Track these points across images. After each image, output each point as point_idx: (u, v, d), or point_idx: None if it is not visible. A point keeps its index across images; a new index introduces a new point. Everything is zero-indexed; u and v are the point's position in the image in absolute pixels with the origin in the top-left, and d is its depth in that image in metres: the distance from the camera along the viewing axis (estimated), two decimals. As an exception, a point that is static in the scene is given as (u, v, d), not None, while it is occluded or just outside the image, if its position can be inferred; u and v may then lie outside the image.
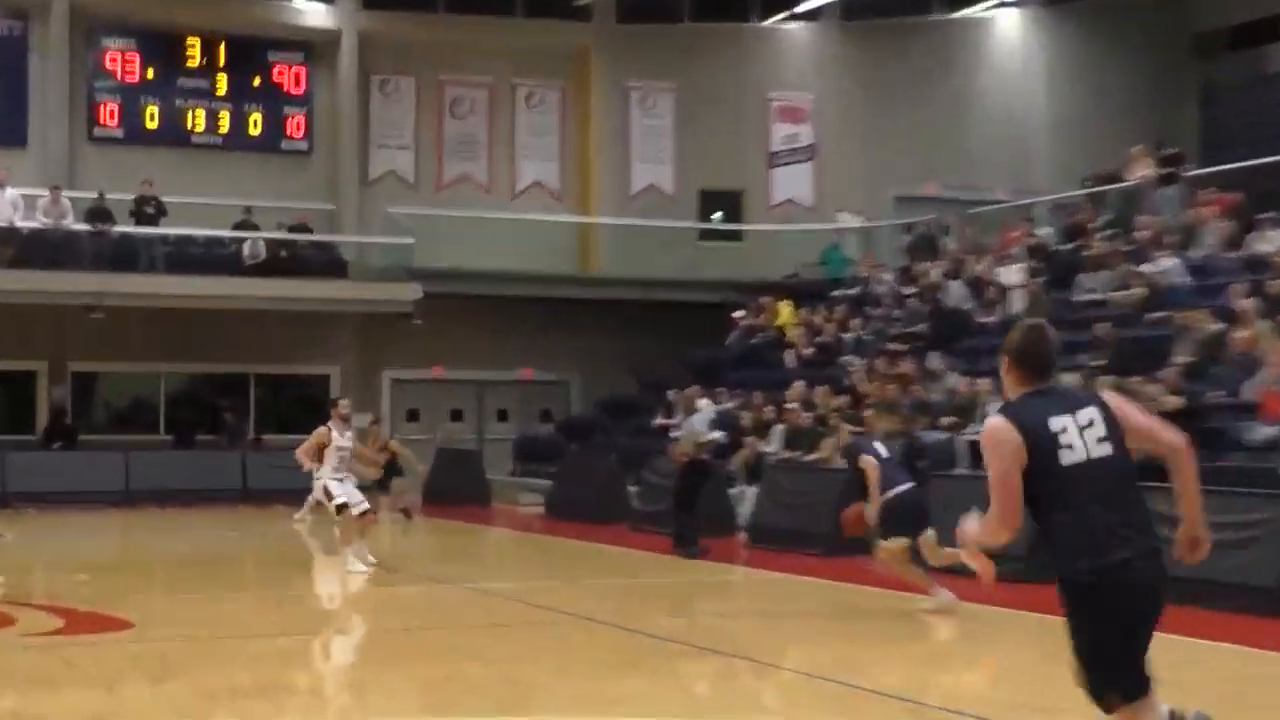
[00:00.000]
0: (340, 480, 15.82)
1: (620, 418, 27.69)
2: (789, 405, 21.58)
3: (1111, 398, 5.64)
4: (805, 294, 28.73)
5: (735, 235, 32.97)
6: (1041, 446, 5.37)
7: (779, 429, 21.25)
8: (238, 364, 29.13)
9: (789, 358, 26.11)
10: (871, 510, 12.49)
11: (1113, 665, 5.30)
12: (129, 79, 29.10)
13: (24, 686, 9.00)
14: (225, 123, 29.66)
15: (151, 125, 29.22)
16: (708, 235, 32.86)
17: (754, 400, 23.24)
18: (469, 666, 9.81)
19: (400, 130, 31.10)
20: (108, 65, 29.00)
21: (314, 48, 30.56)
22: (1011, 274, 23.60)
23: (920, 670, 10.18)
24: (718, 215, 33.28)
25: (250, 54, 29.90)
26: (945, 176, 32.54)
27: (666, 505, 18.25)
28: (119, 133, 29.01)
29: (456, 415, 31.28)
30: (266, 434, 28.67)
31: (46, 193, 26.34)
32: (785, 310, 27.72)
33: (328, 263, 28.86)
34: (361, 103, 30.64)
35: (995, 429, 5.44)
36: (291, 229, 28.55)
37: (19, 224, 26.04)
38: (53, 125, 28.42)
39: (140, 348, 28.22)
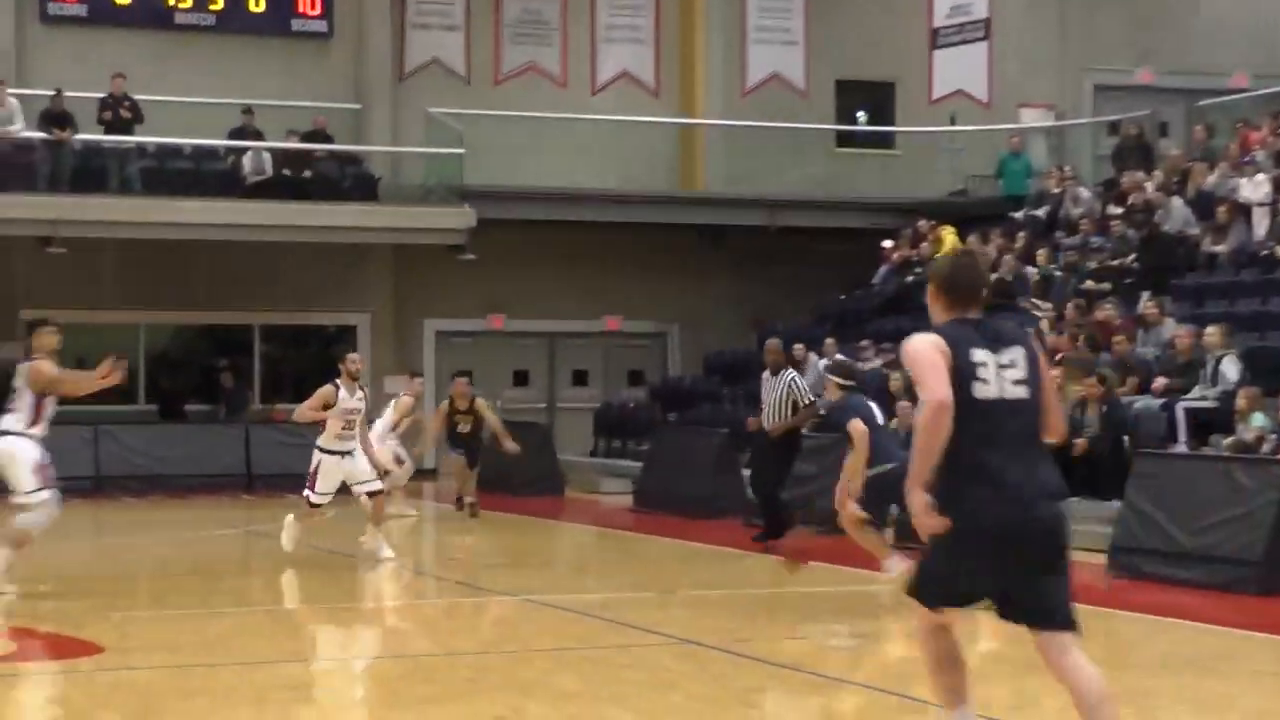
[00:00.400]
0: (341, 456, 16.77)
1: (733, 380, 27.76)
2: (954, 363, 21.51)
3: (1038, 348, 7.16)
4: (976, 217, 28.58)
5: (885, 140, 32.84)
6: (960, 372, 6.89)
7: (941, 394, 21.19)
8: (238, 312, 29.53)
9: (955, 301, 25.98)
10: (855, 484, 13.76)
11: (950, 579, 7.03)
12: (99, -56, 29.49)
13: (-35, 726, 9.26)
14: (219, -2, 29.98)
15: (123, 2, 29.57)
16: (849, 141, 32.77)
17: (908, 357, 23.17)
18: (532, 704, 9.94)
19: (447, 5, 31.29)
20: (66, -77, 29.42)
21: (333, -102, 30.83)
22: (1254, 188, 23.32)
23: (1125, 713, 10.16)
24: (862, 115, 33.12)
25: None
26: (1164, 58, 32.17)
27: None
28: (81, 10, 29.42)
29: (520, 378, 31.52)
30: (276, 402, 29.05)
31: (-3, 90, 26.79)
32: (950, 238, 27.60)
33: (353, 180, 29.14)
34: (396, -30, 30.89)
35: (921, 337, 7.00)
36: (305, 137, 28.81)
37: (-41, 134, 26.54)
38: (-5, 1, 28.91)
39: (112, 292, 28.66)
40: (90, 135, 27.37)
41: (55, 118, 26.95)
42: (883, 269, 28.54)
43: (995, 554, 6.91)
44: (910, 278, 27.82)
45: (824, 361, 24.37)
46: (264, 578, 16.79)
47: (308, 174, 28.57)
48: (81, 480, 25.68)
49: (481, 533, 21.14)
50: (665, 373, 31.42)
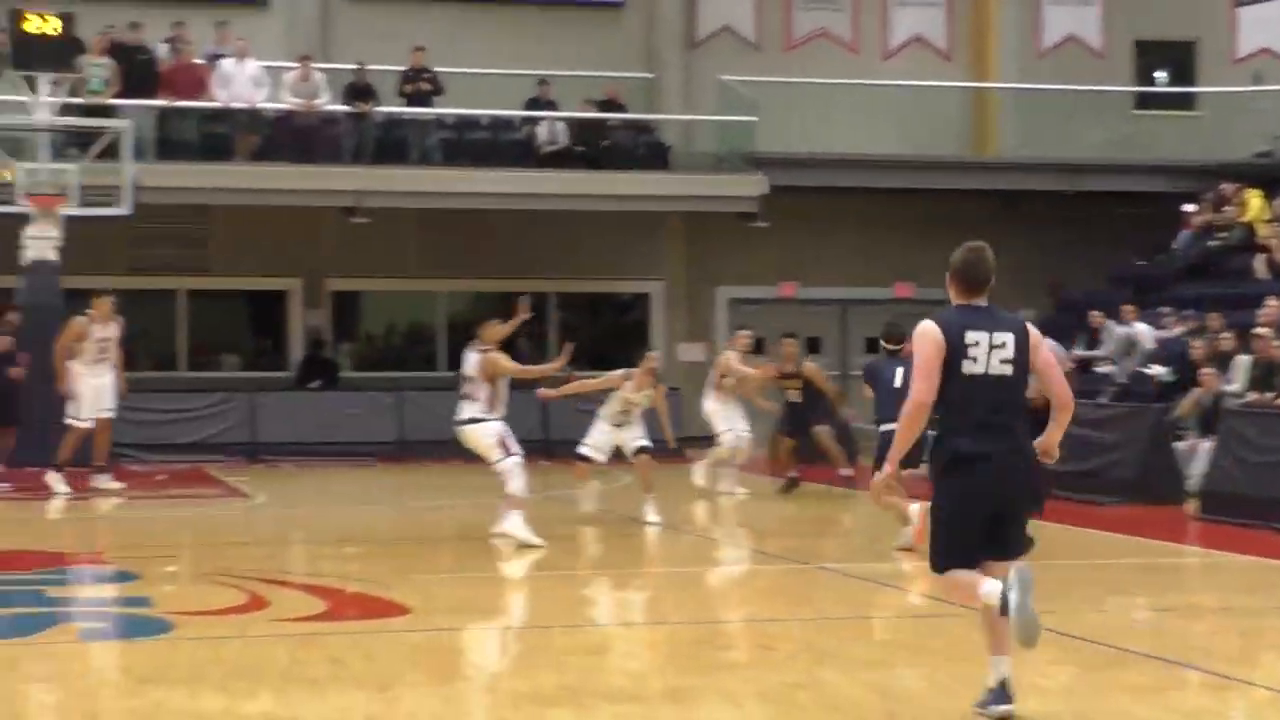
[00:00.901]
0: (618, 427, 17.86)
1: (1029, 347, 27.44)
2: (1259, 331, 21.03)
3: (1035, 332, 8.65)
4: (1282, 179, 27.89)
5: (1186, 101, 32.15)
6: (954, 351, 8.44)
7: (1243, 362, 20.75)
8: (534, 280, 29.87)
9: (1260, 265, 25.42)
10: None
11: (954, 537, 8.53)
12: (402, -91, 30.16)
13: (280, 684, 9.56)
14: (516, -30, 30.49)
15: (424, -24, 30.23)
16: (1148, 102, 32.13)
17: (1210, 324, 22.73)
18: (827, 672, 9.96)
19: (738, -28, 31.47)
20: (375, -109, 30.16)
21: None
22: None
23: None
24: (1162, 75, 32.46)
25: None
26: None
27: (1082, 464, 18.25)
28: (384, -17, 30.13)
29: (813, 345, 31.42)
30: (573, 369, 29.38)
31: (295, 65, 27.50)
32: (1255, 202, 26.96)
33: (646, 149, 29.37)
34: (689, -65, 31.08)
35: (925, 329, 8.56)
36: (600, 106, 29.04)
37: (262, 105, 27.28)
38: (302, -22, 29.70)
39: (412, 260, 29.31)
40: (392, 108, 27.99)
41: (358, 91, 27.60)
42: (1183, 233, 27.94)
43: (979, 502, 8.47)
44: (1213, 242, 27.22)
45: (1122, 329, 24.03)
46: (560, 543, 17.01)
47: (602, 143, 28.87)
48: (386, 445, 26.42)
49: (778, 501, 21.19)
50: (959, 339, 31.14)
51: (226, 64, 26.96)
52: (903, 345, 15.21)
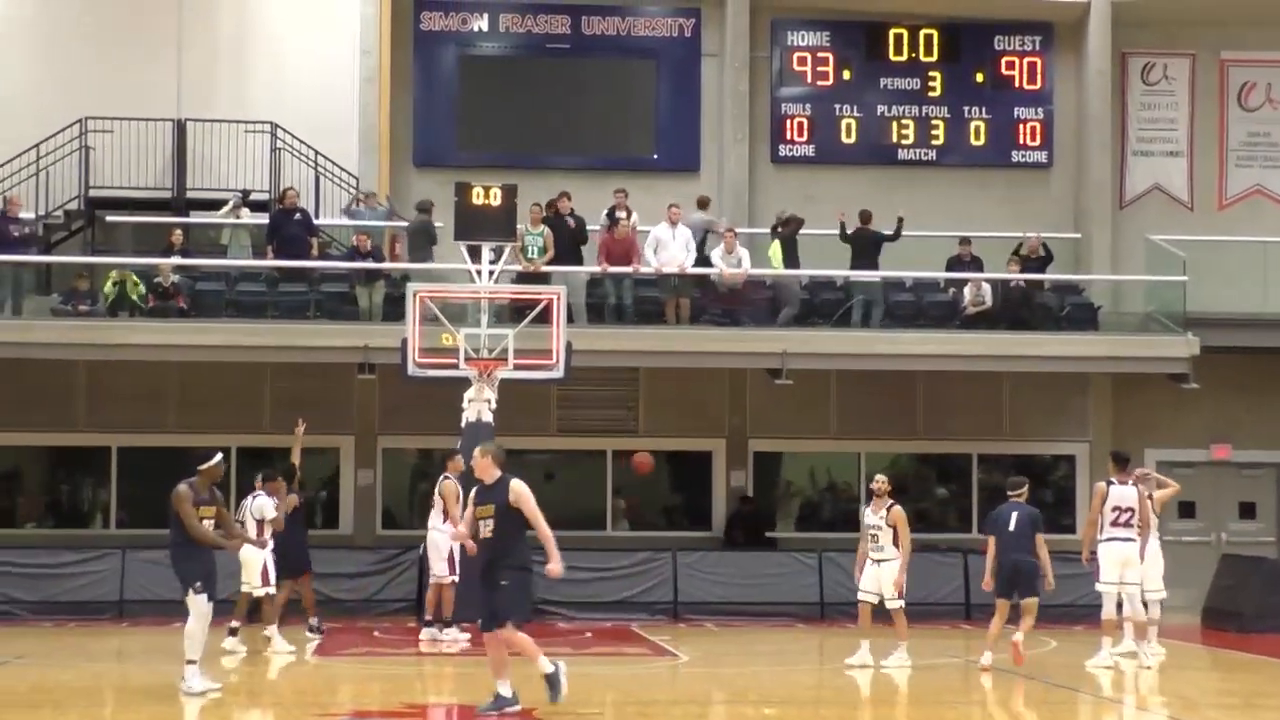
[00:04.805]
0: None
1: None
2: None
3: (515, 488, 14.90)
4: None
5: None
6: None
7: None
8: (956, 440, 30.23)
9: None
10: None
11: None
12: (820, 83, 31.16)
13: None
14: (940, 133, 31.14)
15: (848, 141, 31.16)
16: None
17: None
18: None
19: (1169, 130, 31.55)
20: (795, 67, 31.17)
21: (1053, 29, 31.51)
22: None
23: None
24: None
25: (971, 42, 31.41)
26: None
27: None
28: (809, 151, 31.10)
29: (1247, 510, 31.06)
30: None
31: (723, 232, 28.53)
32: None
33: (1072, 309, 29.52)
34: (1116, 96, 31.36)
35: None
36: (1022, 261, 29.21)
37: (693, 270, 28.34)
38: (729, 144, 30.84)
39: (834, 421, 29.90)
40: (815, 270, 28.79)
41: (784, 254, 28.49)
42: None
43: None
44: None
45: None
46: (981, 710, 17.25)
47: (1027, 304, 29.07)
48: (808, 605, 26.96)
49: (1210, 670, 20.97)
50: None
51: (658, 230, 28.13)
52: (1022, 491, 20.22)
